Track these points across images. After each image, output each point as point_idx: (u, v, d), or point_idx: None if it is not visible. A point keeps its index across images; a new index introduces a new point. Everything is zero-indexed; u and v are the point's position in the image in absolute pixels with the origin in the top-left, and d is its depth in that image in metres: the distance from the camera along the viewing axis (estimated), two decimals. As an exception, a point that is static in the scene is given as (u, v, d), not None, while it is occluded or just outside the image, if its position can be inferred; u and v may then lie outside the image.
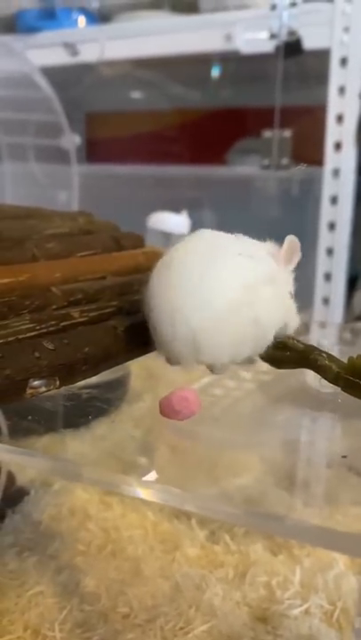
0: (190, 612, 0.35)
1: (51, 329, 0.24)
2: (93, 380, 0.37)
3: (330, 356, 0.27)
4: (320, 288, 0.95)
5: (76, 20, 1.03)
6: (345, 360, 0.26)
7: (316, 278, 0.95)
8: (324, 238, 0.93)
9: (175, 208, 0.88)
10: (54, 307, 0.26)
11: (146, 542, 0.41)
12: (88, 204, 0.98)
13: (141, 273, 0.35)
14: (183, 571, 0.38)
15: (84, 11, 1.04)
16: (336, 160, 0.90)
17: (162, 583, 0.37)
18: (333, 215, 0.92)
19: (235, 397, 0.36)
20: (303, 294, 1.06)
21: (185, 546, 0.41)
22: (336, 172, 0.91)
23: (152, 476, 0.26)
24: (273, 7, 0.76)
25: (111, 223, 0.39)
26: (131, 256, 0.35)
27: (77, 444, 0.54)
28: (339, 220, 0.92)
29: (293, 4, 0.75)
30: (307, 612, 0.37)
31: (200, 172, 1.01)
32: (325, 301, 0.96)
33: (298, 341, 0.28)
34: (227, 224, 1.12)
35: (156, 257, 0.38)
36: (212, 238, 0.27)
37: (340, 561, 0.39)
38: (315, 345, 0.28)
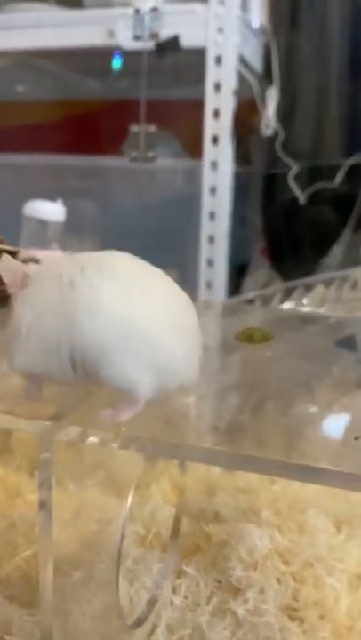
0: (20, 541, 0.42)
1: None
2: None
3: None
4: (203, 273, 1.05)
5: None
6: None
7: (200, 264, 1.04)
8: (206, 227, 1.03)
9: (60, 197, 0.94)
10: None
11: (-8, 492, 0.48)
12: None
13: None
14: (21, 512, 0.46)
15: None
16: (214, 153, 1.00)
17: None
18: (213, 205, 1.02)
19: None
20: (189, 279, 1.17)
21: (27, 492, 0.48)
22: (214, 165, 1.01)
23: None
24: (137, 11, 0.85)
25: None
26: None
27: None
28: (218, 210, 1.02)
29: (155, 9, 0.83)
30: (127, 538, 0.46)
31: (81, 163, 1.08)
32: (208, 285, 1.05)
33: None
34: (115, 213, 1.20)
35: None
36: None
37: (159, 495, 0.48)
38: None
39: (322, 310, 0.71)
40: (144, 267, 0.30)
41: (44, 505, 0.27)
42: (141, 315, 0.28)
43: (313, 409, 0.41)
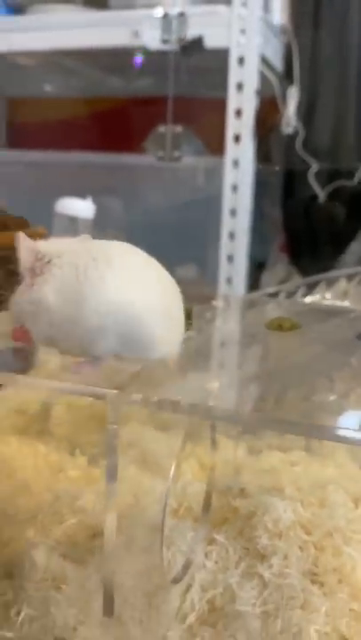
0: (65, 511, 0.48)
1: None
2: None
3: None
4: (224, 269, 1.09)
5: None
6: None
7: (220, 260, 1.08)
8: (227, 223, 1.07)
9: (88, 194, 0.99)
10: None
11: (36, 468, 0.53)
12: (2, 190, 1.08)
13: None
14: (64, 486, 0.51)
15: (-1, 2, 1.13)
16: (236, 151, 1.04)
17: (45, 495, 0.50)
18: (234, 202, 1.06)
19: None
20: (210, 274, 1.22)
21: (69, 469, 0.53)
22: (236, 163, 1.05)
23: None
24: (165, 16, 0.89)
25: (1, 207, 0.51)
26: (13, 235, 0.47)
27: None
28: (239, 207, 1.06)
29: (182, 14, 0.88)
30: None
31: (108, 160, 1.13)
32: (229, 281, 1.10)
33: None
34: (139, 210, 1.26)
35: (37, 236, 0.51)
36: None
37: (189, 473, 0.53)
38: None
39: (342, 304, 0.76)
40: (142, 258, 0.37)
41: (111, 470, 0.31)
42: (135, 301, 0.35)
43: (332, 397, 0.45)
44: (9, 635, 0.36)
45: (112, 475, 0.31)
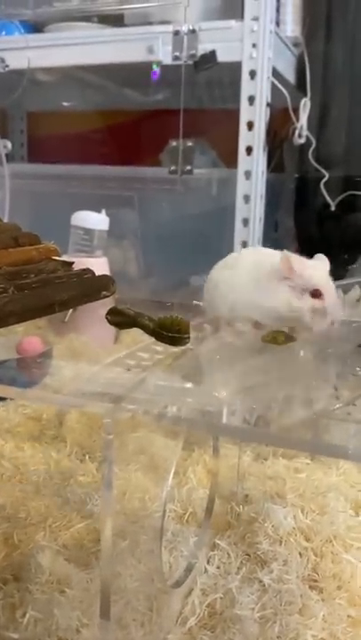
0: (74, 515, 0.49)
1: None
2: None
3: (150, 318, 0.41)
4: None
5: (11, 30, 1.15)
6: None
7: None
8: (240, 232, 1.08)
9: (105, 206, 1.01)
10: None
11: (48, 473, 0.54)
12: (20, 203, 1.11)
13: (34, 264, 0.49)
14: (74, 490, 0.52)
15: (18, 21, 1.16)
16: (248, 163, 1.05)
17: (56, 499, 0.51)
18: (247, 212, 1.07)
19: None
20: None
21: (78, 475, 0.54)
22: (248, 174, 1.06)
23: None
24: (176, 32, 0.90)
25: (14, 225, 0.52)
26: (24, 252, 0.48)
27: (1, 412, 0.68)
28: (251, 216, 1.07)
29: (193, 31, 0.89)
30: (167, 515, 0.51)
31: (123, 173, 1.14)
32: (242, 289, 1.10)
33: (130, 309, 0.42)
34: (156, 221, 1.27)
35: (48, 252, 0.52)
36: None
37: (194, 480, 0.54)
38: (142, 312, 0.42)
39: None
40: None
41: (107, 479, 0.32)
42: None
43: (337, 405, 0.45)
44: (14, 636, 0.37)
45: (108, 484, 0.32)
